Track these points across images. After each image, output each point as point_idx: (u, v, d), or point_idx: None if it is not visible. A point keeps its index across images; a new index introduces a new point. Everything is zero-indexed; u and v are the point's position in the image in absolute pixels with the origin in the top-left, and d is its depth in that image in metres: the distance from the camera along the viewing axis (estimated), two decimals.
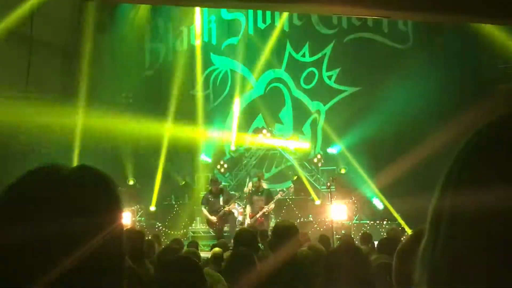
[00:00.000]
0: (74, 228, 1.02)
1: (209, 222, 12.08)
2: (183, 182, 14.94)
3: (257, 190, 11.85)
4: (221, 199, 11.96)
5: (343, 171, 14.49)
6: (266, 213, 11.65)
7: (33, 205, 1.03)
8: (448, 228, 0.71)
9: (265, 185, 12.43)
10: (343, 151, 14.86)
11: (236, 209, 13.62)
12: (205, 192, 12.66)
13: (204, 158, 15.81)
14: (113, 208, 1.11)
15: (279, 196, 12.22)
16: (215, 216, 11.82)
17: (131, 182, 14.91)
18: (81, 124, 15.21)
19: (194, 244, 8.61)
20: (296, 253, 3.65)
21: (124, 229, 1.16)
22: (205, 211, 12.01)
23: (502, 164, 0.68)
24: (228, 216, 12.07)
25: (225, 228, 12.35)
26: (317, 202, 13.90)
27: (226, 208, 11.85)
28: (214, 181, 12.21)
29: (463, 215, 0.69)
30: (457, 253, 0.69)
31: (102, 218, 1.07)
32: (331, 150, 15.19)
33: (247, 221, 11.71)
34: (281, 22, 16.34)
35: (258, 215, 11.53)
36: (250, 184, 12.40)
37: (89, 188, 1.09)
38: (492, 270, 0.66)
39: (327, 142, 15.52)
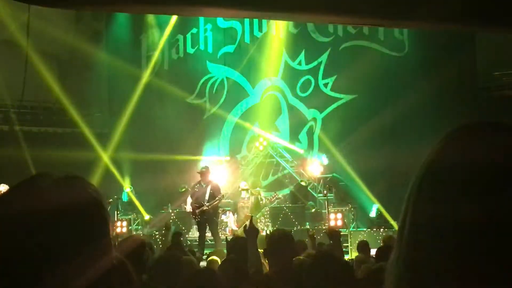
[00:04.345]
0: (59, 241, 1.01)
1: (192, 209, 11.65)
2: (183, 189, 14.85)
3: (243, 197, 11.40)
4: (207, 193, 11.32)
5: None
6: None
7: (18, 218, 1.02)
8: (407, 242, 0.74)
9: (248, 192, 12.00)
10: (336, 159, 14.88)
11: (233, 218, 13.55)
12: None
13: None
14: (99, 219, 1.09)
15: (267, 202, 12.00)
16: (196, 208, 11.31)
17: (127, 189, 14.91)
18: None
19: (192, 252, 8.57)
20: (292, 261, 3.65)
21: (111, 240, 1.14)
22: (188, 201, 11.65)
23: (456, 182, 0.70)
24: (211, 216, 11.31)
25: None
26: (313, 210, 13.91)
27: (205, 207, 11.15)
28: (201, 172, 11.66)
29: (421, 229, 0.71)
30: (416, 264, 0.72)
31: (88, 230, 1.05)
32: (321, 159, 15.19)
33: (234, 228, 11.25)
34: (277, 30, 16.38)
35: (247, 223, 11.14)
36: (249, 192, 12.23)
37: (74, 199, 1.06)
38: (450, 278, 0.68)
39: (323, 150, 15.53)
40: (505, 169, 0.69)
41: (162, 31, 17.01)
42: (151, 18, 16.91)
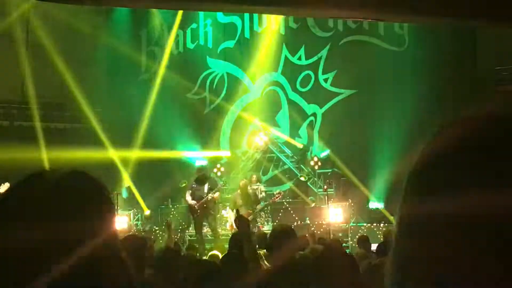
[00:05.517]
0: (66, 234, 1.01)
1: (190, 208, 12.04)
2: (184, 184, 14.88)
3: (242, 194, 11.71)
4: (205, 187, 11.86)
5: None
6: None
7: (24, 210, 1.02)
8: (397, 237, 0.73)
9: (249, 189, 12.17)
10: (332, 155, 14.87)
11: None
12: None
13: (201, 161, 15.82)
14: (105, 212, 1.09)
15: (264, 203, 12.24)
16: (196, 204, 11.76)
17: (127, 185, 14.92)
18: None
19: (192, 247, 8.59)
20: (295, 256, 3.65)
21: (117, 233, 1.15)
22: (187, 196, 12.01)
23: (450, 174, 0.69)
24: (210, 207, 11.85)
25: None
26: (313, 205, 13.94)
27: (210, 196, 11.70)
28: (199, 169, 12.35)
29: (410, 224, 0.71)
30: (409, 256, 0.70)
31: (94, 223, 1.05)
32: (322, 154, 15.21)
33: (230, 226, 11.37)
34: (277, 25, 16.35)
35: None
36: (248, 188, 12.30)
37: (80, 193, 1.07)
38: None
39: (323, 145, 15.51)
40: (493, 161, 0.68)
41: (163, 26, 16.99)
42: (151, 13, 16.88)
